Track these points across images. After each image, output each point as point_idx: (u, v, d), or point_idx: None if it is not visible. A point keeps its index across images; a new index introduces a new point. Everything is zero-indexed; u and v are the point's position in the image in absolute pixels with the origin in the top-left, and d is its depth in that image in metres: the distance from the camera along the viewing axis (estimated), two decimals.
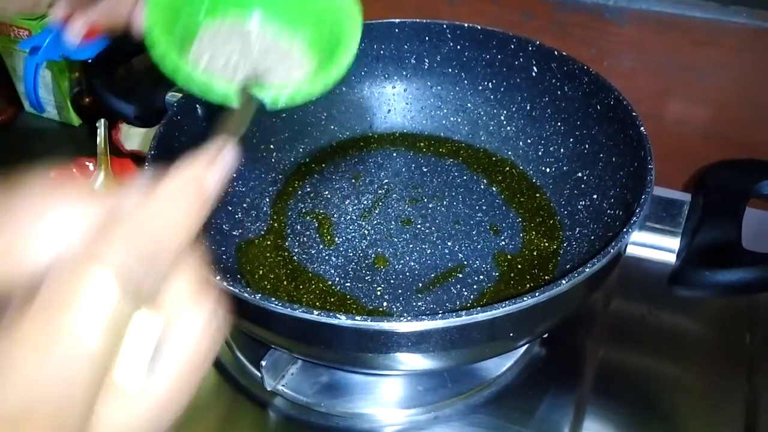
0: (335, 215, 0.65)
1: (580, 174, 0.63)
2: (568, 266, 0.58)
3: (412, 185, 0.68)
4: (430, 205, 0.66)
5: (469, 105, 0.72)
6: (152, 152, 0.55)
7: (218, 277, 0.43)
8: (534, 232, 0.63)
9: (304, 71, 0.46)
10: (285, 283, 0.59)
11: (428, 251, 0.61)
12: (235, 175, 0.66)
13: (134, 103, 0.63)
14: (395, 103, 0.74)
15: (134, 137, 0.85)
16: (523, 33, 0.66)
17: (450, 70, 0.72)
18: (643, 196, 0.49)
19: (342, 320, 0.40)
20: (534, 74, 0.67)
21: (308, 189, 0.68)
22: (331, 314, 0.41)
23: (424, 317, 0.40)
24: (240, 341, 0.59)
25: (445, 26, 0.69)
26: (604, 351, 0.59)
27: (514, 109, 0.70)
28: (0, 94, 0.92)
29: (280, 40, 0.47)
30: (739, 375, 0.58)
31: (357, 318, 0.40)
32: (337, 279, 0.59)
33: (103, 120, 0.78)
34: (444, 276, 0.59)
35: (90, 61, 0.84)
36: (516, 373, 0.57)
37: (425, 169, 0.70)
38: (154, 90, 0.64)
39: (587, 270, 0.43)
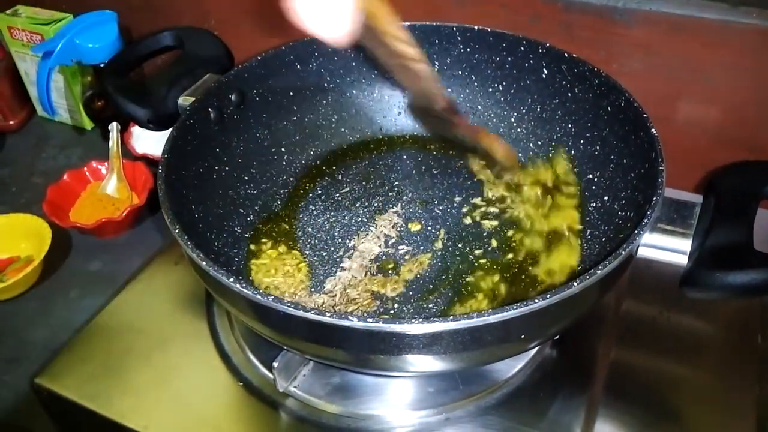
0: (346, 217, 0.65)
1: (590, 176, 0.63)
2: (579, 268, 0.59)
3: (422, 187, 0.69)
4: (441, 207, 0.66)
5: (479, 107, 0.72)
6: (166, 155, 0.55)
7: (231, 279, 0.44)
8: None
9: None
10: None
11: (439, 253, 0.62)
12: (246, 177, 0.66)
13: (147, 106, 0.64)
14: (405, 105, 0.75)
15: (145, 140, 0.86)
16: (530, 36, 0.66)
17: (460, 72, 0.72)
18: (654, 198, 0.49)
19: (354, 322, 0.41)
20: (544, 76, 0.67)
21: (319, 191, 0.69)
22: (343, 316, 0.41)
23: (435, 319, 0.41)
24: (252, 343, 0.59)
25: (455, 29, 0.69)
26: (615, 353, 0.59)
27: (524, 111, 0.70)
28: (13, 98, 0.93)
29: None
30: (750, 376, 0.57)
31: (369, 320, 0.41)
32: (349, 280, 0.59)
33: (115, 123, 0.79)
34: (455, 277, 0.59)
35: (102, 65, 0.85)
36: (527, 375, 0.57)
37: (435, 171, 0.70)
38: (167, 94, 0.64)
39: (599, 272, 0.43)
